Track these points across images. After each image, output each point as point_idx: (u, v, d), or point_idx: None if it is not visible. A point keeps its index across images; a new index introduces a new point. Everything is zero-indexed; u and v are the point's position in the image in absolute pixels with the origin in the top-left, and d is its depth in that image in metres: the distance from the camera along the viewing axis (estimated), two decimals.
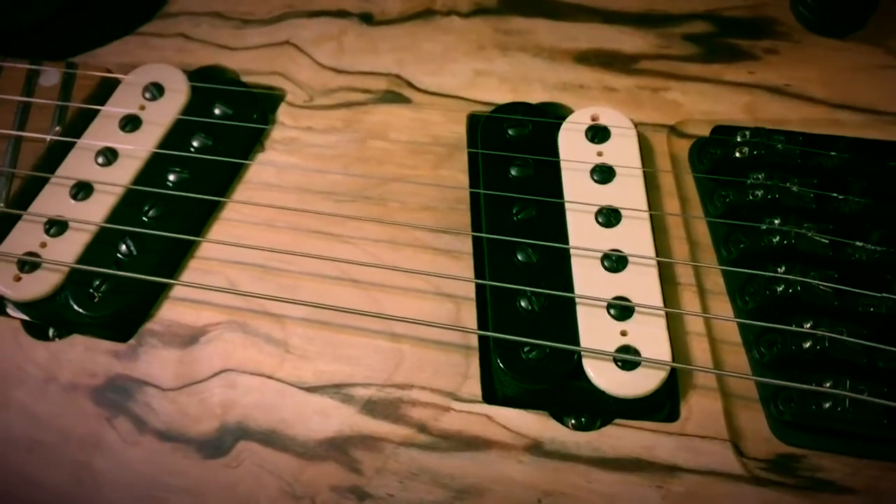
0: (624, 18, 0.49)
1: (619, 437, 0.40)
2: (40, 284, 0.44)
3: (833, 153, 0.43)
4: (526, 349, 0.40)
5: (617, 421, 0.40)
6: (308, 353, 0.43)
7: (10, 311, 0.46)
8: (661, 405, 0.40)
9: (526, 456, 0.40)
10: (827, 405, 0.38)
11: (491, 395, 0.41)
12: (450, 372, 0.42)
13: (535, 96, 0.48)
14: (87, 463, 0.42)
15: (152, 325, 0.44)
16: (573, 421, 0.41)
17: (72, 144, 0.47)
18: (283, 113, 0.49)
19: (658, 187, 0.45)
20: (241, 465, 0.41)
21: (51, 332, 0.46)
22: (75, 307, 0.44)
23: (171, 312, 0.44)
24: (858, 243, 0.40)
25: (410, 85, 0.49)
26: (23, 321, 0.45)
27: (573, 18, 0.50)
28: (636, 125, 0.46)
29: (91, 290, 0.44)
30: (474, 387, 0.41)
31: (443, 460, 0.40)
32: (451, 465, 0.40)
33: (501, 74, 0.49)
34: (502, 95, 0.48)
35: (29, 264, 0.44)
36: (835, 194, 0.42)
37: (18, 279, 0.44)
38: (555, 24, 0.50)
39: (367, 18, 0.51)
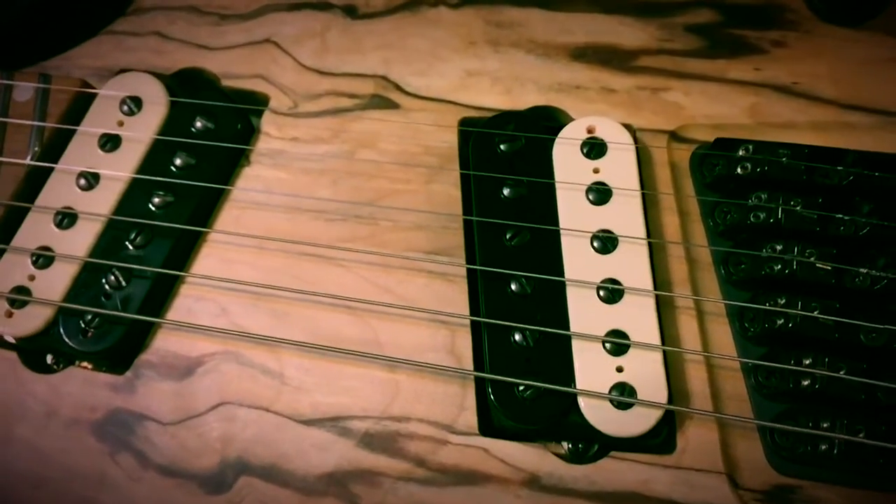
0: (624, 6, 0.46)
1: (616, 471, 0.40)
2: (32, 320, 0.44)
3: (840, 168, 0.41)
4: (521, 388, 0.40)
5: (613, 454, 0.40)
6: (304, 385, 0.43)
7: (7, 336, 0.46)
8: (659, 432, 0.40)
9: (524, 490, 0.40)
10: (823, 447, 0.37)
11: (488, 426, 0.41)
12: (446, 403, 0.42)
13: (530, 99, 0.45)
14: (94, 499, 0.42)
15: (148, 356, 0.44)
16: (569, 445, 0.41)
17: (52, 166, 0.46)
18: (267, 122, 0.47)
19: (657, 202, 0.43)
20: (242, 502, 0.42)
21: (49, 358, 0.46)
22: (69, 343, 0.44)
23: (166, 342, 0.44)
24: (863, 270, 0.39)
25: (398, 88, 0.47)
26: (20, 353, 0.45)
27: (569, 8, 0.47)
28: (635, 131, 0.44)
29: (83, 325, 0.44)
30: (471, 419, 0.41)
31: (441, 496, 0.40)
32: (449, 500, 0.40)
33: (493, 74, 0.46)
34: (494, 98, 0.46)
35: (18, 299, 0.44)
36: (840, 215, 0.40)
37: (10, 315, 0.44)
38: (550, 14, 0.47)
39: (352, 11, 0.48)
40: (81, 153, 0.46)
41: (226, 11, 0.50)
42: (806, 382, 0.38)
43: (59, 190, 0.46)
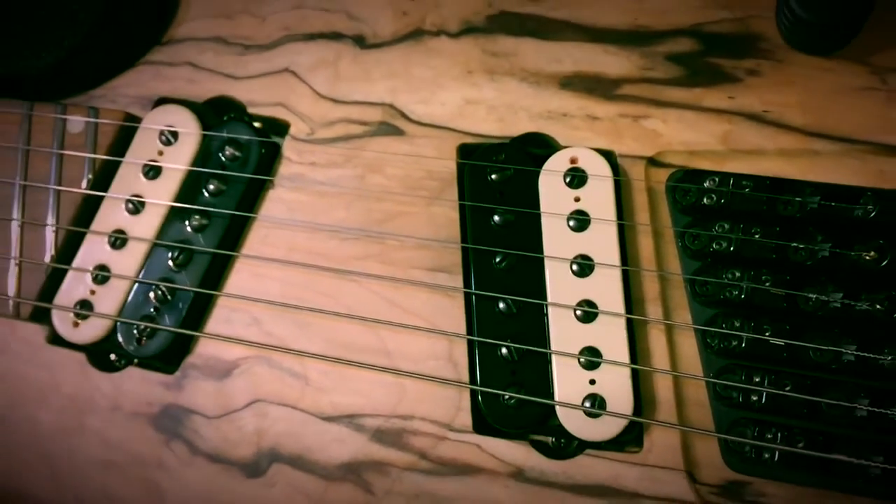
0: (609, 36, 0.49)
1: (590, 467, 0.46)
2: (95, 329, 0.52)
3: (798, 199, 0.44)
4: (506, 397, 0.46)
5: (588, 451, 0.46)
6: (324, 386, 0.50)
7: None
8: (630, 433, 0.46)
9: (510, 481, 0.47)
10: (766, 455, 0.43)
11: (481, 425, 0.48)
12: (445, 404, 0.48)
13: (521, 126, 0.50)
14: (154, 481, 0.51)
15: (193, 359, 0.52)
16: (552, 440, 0.47)
17: (103, 194, 0.53)
18: (288, 148, 0.53)
19: (634, 225, 0.47)
20: (276, 486, 0.49)
21: (112, 356, 0.54)
22: (126, 348, 0.51)
23: (207, 348, 0.51)
24: (812, 296, 0.43)
25: (403, 115, 0.51)
26: (87, 354, 0.53)
27: (559, 37, 0.50)
28: (616, 157, 0.48)
29: (137, 333, 0.51)
30: (466, 418, 0.48)
31: (441, 484, 0.47)
32: (447, 488, 0.47)
33: (489, 103, 0.50)
34: (489, 126, 0.50)
35: (81, 313, 0.51)
36: (794, 244, 0.44)
37: (77, 325, 0.52)
38: (541, 43, 0.50)
39: (360, 41, 0.53)
40: (128, 181, 0.53)
41: (248, 42, 0.55)
42: (755, 398, 0.43)
43: (111, 214, 0.53)
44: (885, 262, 0.43)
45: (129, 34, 0.55)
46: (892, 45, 0.46)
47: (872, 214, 0.43)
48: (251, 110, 0.54)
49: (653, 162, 0.48)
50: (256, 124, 0.54)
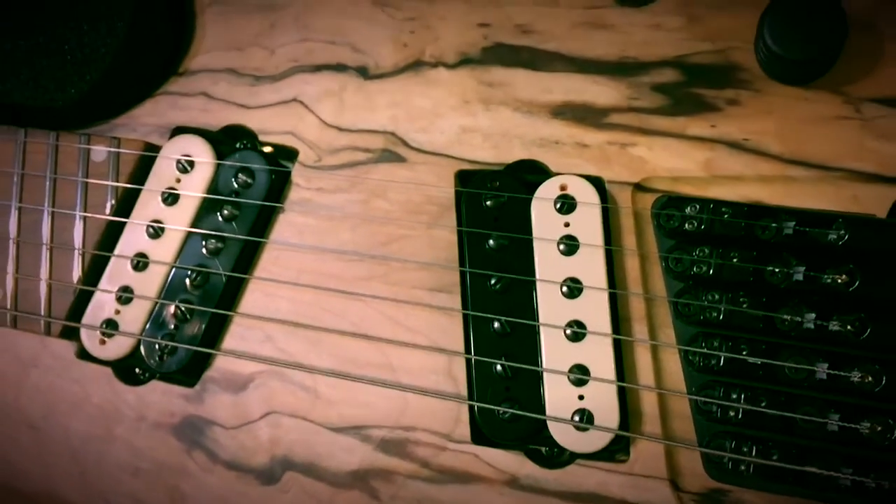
0: (597, 67, 0.52)
1: (581, 475, 0.49)
2: (120, 347, 0.55)
3: (774, 224, 0.47)
4: (500, 412, 0.49)
5: (579, 461, 0.49)
6: (333, 399, 0.53)
7: None
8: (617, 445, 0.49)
9: (506, 489, 0.50)
10: (741, 467, 0.46)
11: (478, 436, 0.51)
12: (445, 417, 0.51)
13: (515, 153, 0.52)
14: (178, 487, 0.55)
15: (211, 373, 0.55)
16: (545, 449, 0.51)
17: (125, 220, 0.57)
18: (297, 174, 0.56)
19: (621, 248, 0.50)
20: (289, 492, 0.53)
21: (137, 370, 0.58)
22: (149, 364, 0.55)
23: (224, 363, 0.55)
24: (786, 317, 0.46)
25: (404, 143, 0.54)
26: (113, 369, 0.57)
27: (550, 68, 0.52)
28: (605, 183, 0.51)
29: (159, 350, 0.55)
30: (465, 430, 0.51)
31: (441, 491, 0.51)
32: (448, 494, 0.51)
33: (485, 131, 0.53)
34: (485, 153, 0.53)
35: (107, 332, 0.55)
36: (770, 267, 0.47)
37: (104, 342, 0.56)
38: (533, 74, 0.53)
39: (364, 72, 0.56)
40: (148, 207, 0.56)
41: (259, 73, 0.58)
42: (732, 413, 0.46)
43: (133, 239, 0.56)
44: (854, 286, 0.45)
45: (148, 67, 0.59)
46: (866, 76, 0.48)
47: (844, 240, 0.46)
48: (262, 138, 0.57)
49: (639, 187, 0.51)
50: (267, 149, 0.57)
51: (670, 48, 0.51)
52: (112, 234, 0.57)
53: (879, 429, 0.44)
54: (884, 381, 0.44)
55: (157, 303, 0.55)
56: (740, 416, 0.46)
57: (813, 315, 0.46)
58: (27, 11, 0.59)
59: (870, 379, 0.44)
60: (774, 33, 0.47)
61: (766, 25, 0.47)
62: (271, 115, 0.57)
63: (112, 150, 0.57)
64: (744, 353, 0.47)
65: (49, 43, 0.58)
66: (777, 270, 0.47)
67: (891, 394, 0.44)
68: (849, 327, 0.45)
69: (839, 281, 0.46)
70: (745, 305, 0.47)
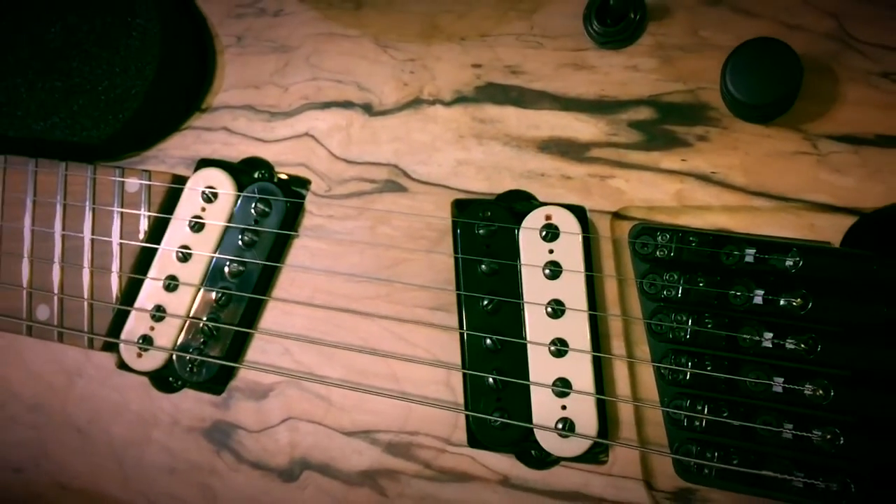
0: (579, 105, 0.57)
1: (565, 476, 0.55)
2: (155, 360, 0.62)
3: (736, 252, 0.52)
4: (492, 420, 0.55)
5: (563, 463, 0.55)
6: (345, 406, 0.59)
7: None
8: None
9: (499, 487, 0.56)
10: (706, 470, 0.51)
11: (474, 440, 0.57)
12: (445, 423, 0.57)
13: (506, 184, 0.58)
14: (209, 485, 0.62)
15: (236, 383, 0.62)
16: (534, 451, 0.56)
17: (156, 247, 0.63)
18: (310, 202, 0.62)
19: (602, 270, 0.55)
20: (307, 489, 0.60)
21: (170, 379, 0.64)
22: (181, 375, 0.62)
23: (248, 374, 0.62)
24: (747, 336, 0.51)
25: (406, 174, 0.60)
26: (150, 379, 0.64)
27: (537, 106, 0.57)
28: (587, 212, 0.56)
29: (189, 363, 0.61)
30: (462, 435, 0.57)
31: (442, 489, 0.57)
32: (447, 492, 0.57)
33: (478, 164, 0.58)
34: (478, 184, 0.58)
35: (144, 347, 0.62)
36: (733, 291, 0.52)
37: (140, 356, 0.62)
38: (521, 111, 0.58)
39: (368, 109, 0.61)
40: (177, 234, 0.63)
41: (274, 110, 0.63)
42: (697, 423, 0.52)
43: (164, 263, 0.63)
44: (807, 309, 0.50)
45: (174, 104, 0.65)
46: (822, 115, 0.52)
47: (798, 266, 0.51)
48: (278, 169, 0.63)
49: (617, 216, 0.56)
50: (283, 176, 0.63)
51: (645, 88, 0.56)
52: (145, 258, 0.63)
53: (828, 437, 0.49)
54: (832, 395, 0.49)
55: (187, 320, 0.61)
56: (705, 424, 0.52)
57: (770, 335, 0.51)
58: (65, 56, 0.65)
59: (820, 392, 0.50)
60: (735, 80, 0.51)
61: (728, 72, 0.52)
62: (286, 149, 0.63)
63: (144, 182, 0.63)
64: (708, 368, 0.52)
65: (84, 84, 0.65)
66: (739, 294, 0.52)
67: (838, 406, 0.49)
68: (802, 346, 0.50)
69: (794, 304, 0.51)
70: (709, 325, 0.52)
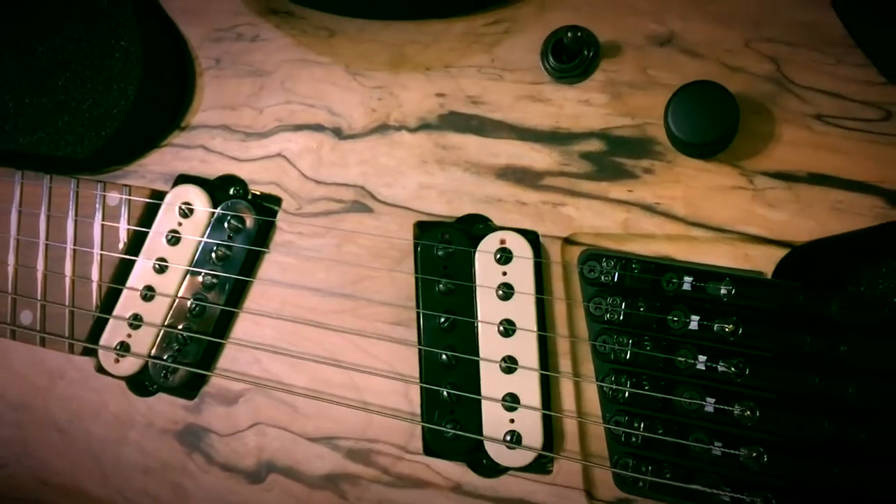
0: (535, 135, 0.60)
1: (512, 484, 0.59)
2: (131, 366, 0.66)
3: (675, 279, 0.55)
4: (446, 431, 0.58)
5: (511, 472, 0.59)
6: (310, 414, 0.63)
7: None
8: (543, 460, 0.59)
9: (451, 494, 0.60)
10: (640, 483, 0.55)
11: (429, 449, 0.60)
12: (402, 432, 0.61)
13: (465, 208, 0.61)
14: (181, 484, 0.65)
15: (208, 389, 0.65)
16: (485, 461, 0.60)
17: (134, 259, 0.67)
18: (281, 219, 0.65)
19: (552, 292, 0.59)
20: (272, 491, 0.63)
21: (146, 383, 0.68)
22: (155, 380, 0.65)
23: (219, 380, 0.65)
24: (682, 359, 0.55)
25: (372, 196, 0.63)
26: (126, 383, 0.67)
27: (495, 135, 0.61)
28: (539, 236, 0.59)
29: (163, 368, 0.65)
30: (418, 443, 0.61)
31: (399, 494, 0.61)
32: (404, 497, 0.61)
33: (440, 188, 0.62)
34: (440, 207, 0.62)
35: (121, 353, 0.65)
36: (670, 316, 0.55)
37: (118, 361, 0.66)
38: (481, 139, 0.61)
39: (338, 132, 0.64)
40: (154, 246, 0.66)
41: (249, 130, 0.67)
42: (634, 439, 0.55)
43: (142, 274, 0.66)
44: (737, 335, 0.54)
45: (153, 123, 0.68)
46: (759, 152, 0.55)
47: (731, 295, 0.54)
48: (251, 187, 0.67)
49: (568, 241, 0.59)
50: (256, 193, 0.66)
51: (597, 121, 0.59)
52: (124, 269, 0.67)
53: (754, 455, 0.53)
54: (758, 415, 0.53)
55: (162, 329, 0.65)
56: (641, 440, 0.56)
57: (704, 357, 0.55)
58: (51, 75, 0.69)
59: (747, 413, 0.53)
60: (676, 119, 0.55)
61: (670, 112, 0.55)
62: (259, 168, 0.66)
63: (124, 196, 0.67)
64: (646, 387, 0.56)
65: (69, 102, 0.68)
66: (676, 319, 0.56)
67: (763, 426, 0.53)
68: (732, 369, 0.54)
69: (726, 330, 0.54)
70: (648, 348, 0.56)
